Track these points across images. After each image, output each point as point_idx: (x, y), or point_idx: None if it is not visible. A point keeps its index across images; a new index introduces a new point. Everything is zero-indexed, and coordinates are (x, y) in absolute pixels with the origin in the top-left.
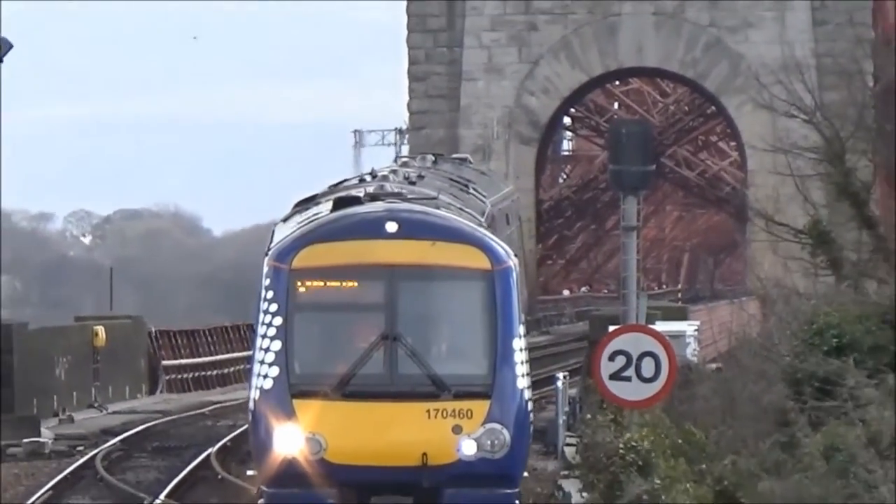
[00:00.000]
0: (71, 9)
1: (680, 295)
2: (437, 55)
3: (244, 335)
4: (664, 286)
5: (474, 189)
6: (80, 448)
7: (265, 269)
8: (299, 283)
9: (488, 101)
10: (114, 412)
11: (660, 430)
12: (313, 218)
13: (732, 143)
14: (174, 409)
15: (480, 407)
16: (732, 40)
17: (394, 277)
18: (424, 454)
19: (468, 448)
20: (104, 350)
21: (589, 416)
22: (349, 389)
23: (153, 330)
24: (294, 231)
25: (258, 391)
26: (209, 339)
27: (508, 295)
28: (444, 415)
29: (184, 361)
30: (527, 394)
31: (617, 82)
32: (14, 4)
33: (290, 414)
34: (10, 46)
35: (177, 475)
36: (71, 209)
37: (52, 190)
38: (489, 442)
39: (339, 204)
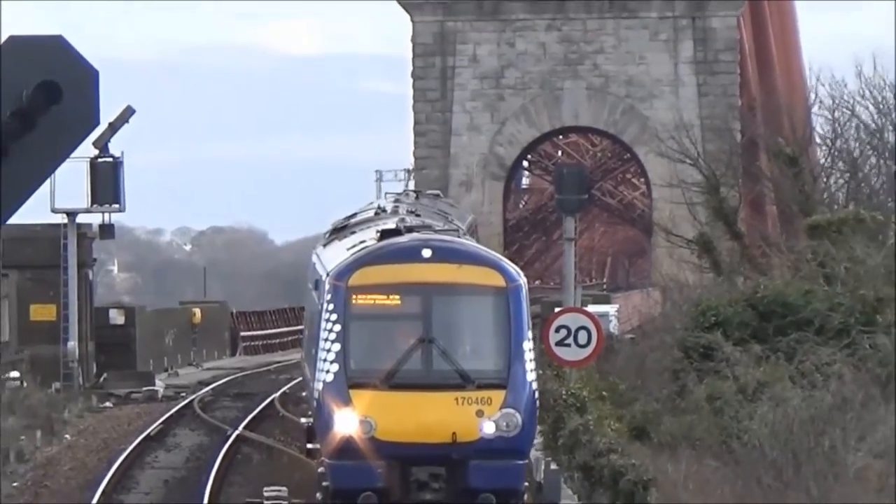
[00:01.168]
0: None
1: (605, 286)
2: (434, 118)
3: (297, 314)
4: (594, 280)
5: (452, 219)
6: (183, 394)
7: (326, 286)
8: (354, 298)
9: (470, 150)
10: (206, 369)
11: (591, 382)
12: (362, 246)
13: (642, 180)
14: (248, 367)
15: (498, 395)
16: (642, 107)
17: (429, 293)
18: (454, 433)
19: (488, 428)
20: (200, 325)
21: (540, 371)
22: (394, 381)
23: (234, 311)
24: (348, 256)
25: (322, 383)
26: (273, 317)
27: (519, 306)
28: (469, 402)
29: (255, 333)
30: (534, 385)
31: (560, 136)
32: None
33: (347, 401)
34: (133, 112)
35: (250, 413)
36: (176, 225)
37: (164, 211)
38: (505, 423)
39: (384, 235)
